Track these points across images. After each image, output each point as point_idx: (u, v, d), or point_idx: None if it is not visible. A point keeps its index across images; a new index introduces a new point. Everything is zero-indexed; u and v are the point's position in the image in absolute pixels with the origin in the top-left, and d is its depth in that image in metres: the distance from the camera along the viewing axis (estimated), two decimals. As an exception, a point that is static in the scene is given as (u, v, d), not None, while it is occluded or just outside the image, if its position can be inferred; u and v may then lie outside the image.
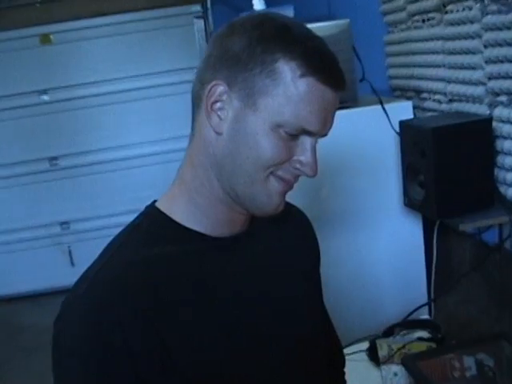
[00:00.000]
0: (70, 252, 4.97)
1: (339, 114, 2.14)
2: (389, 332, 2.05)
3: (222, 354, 1.01)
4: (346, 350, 2.03)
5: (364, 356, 2.02)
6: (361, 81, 2.31)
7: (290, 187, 1.06)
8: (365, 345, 2.05)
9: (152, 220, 1.07)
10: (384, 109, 2.24)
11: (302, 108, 0.97)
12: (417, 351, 1.83)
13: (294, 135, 0.99)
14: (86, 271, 1.01)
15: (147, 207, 1.10)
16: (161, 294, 0.97)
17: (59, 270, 4.83)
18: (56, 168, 4.95)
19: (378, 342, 1.95)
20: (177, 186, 1.09)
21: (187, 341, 0.97)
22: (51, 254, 4.90)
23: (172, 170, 1.14)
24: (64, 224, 5.03)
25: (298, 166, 1.02)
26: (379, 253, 2.33)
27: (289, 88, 0.96)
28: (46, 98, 4.83)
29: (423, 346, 1.88)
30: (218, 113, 1.01)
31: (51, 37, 4.70)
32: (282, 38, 0.97)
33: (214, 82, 1.00)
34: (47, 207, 4.95)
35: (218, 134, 1.01)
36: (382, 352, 1.91)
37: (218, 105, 1.00)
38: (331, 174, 2.28)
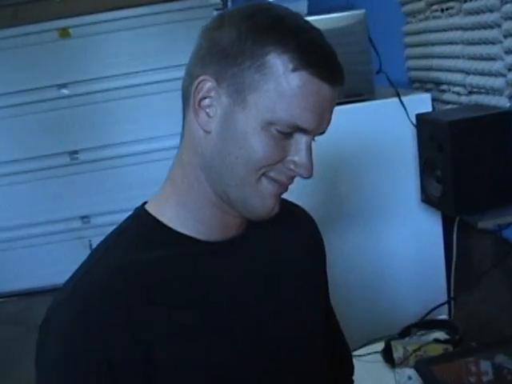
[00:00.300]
0: (90, 246, 4.95)
1: (355, 107, 2.18)
2: (405, 332, 1.98)
3: (217, 359, 0.96)
4: (360, 351, 2.00)
5: (379, 357, 1.95)
6: (377, 73, 2.25)
7: (285, 189, 1.00)
8: (380, 345, 1.99)
9: (140, 223, 1.02)
10: (401, 101, 2.17)
11: (295, 104, 0.90)
12: (431, 355, 1.77)
13: (288, 133, 0.93)
14: (72, 275, 0.96)
15: (136, 209, 1.05)
16: (148, 300, 0.91)
17: (80, 264, 4.79)
18: (76, 162, 4.93)
19: (393, 343, 1.89)
20: (167, 187, 1.04)
21: (177, 350, 0.92)
22: (72, 249, 4.88)
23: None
24: (84, 218, 5.02)
25: (291, 166, 0.96)
26: (397, 250, 2.27)
27: (280, 83, 0.90)
28: (65, 91, 4.82)
29: (439, 349, 1.81)
30: (207, 110, 0.95)
31: (70, 31, 4.68)
32: (274, 29, 0.91)
33: (201, 78, 0.94)
34: (67, 201, 4.94)
35: (207, 132, 0.96)
36: (397, 354, 1.85)
37: (207, 101, 0.95)
38: (346, 169, 2.23)
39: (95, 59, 4.79)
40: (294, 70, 0.90)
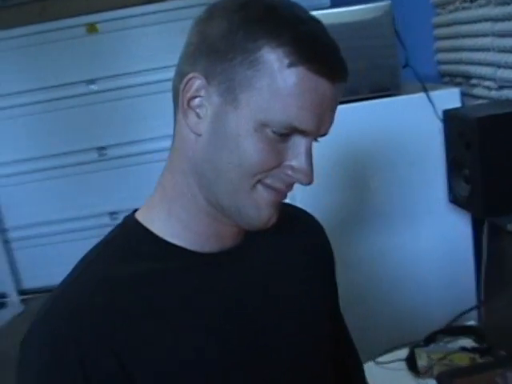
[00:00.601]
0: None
1: (381, 102, 2.08)
2: (430, 339, 1.89)
3: (214, 373, 0.89)
4: (384, 358, 1.91)
5: (403, 365, 1.86)
6: (404, 67, 2.16)
7: (283, 197, 0.91)
8: (405, 352, 1.90)
9: (128, 233, 0.94)
10: (429, 97, 2.08)
11: (292, 103, 0.82)
12: (457, 364, 1.67)
13: (284, 135, 0.85)
14: (56, 289, 0.89)
15: (125, 217, 0.97)
16: (131, 318, 0.84)
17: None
18: (104, 158, 4.90)
19: (417, 351, 1.80)
20: (157, 193, 0.96)
21: (168, 369, 0.85)
22: (100, 245, 4.86)
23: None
24: (113, 214, 4.98)
25: (289, 172, 0.88)
26: (423, 252, 2.17)
27: (275, 80, 0.82)
28: (94, 87, 4.78)
29: (465, 358, 1.72)
30: (197, 110, 0.87)
31: (97, 26, 4.65)
32: (268, 20, 0.82)
33: (190, 75, 0.86)
34: (96, 197, 4.91)
35: (197, 134, 0.88)
36: (422, 362, 1.75)
37: (196, 101, 0.87)
38: (370, 167, 2.14)
39: (123, 54, 4.74)
40: (290, 65, 0.82)
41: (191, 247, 0.93)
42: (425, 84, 2.10)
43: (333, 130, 2.13)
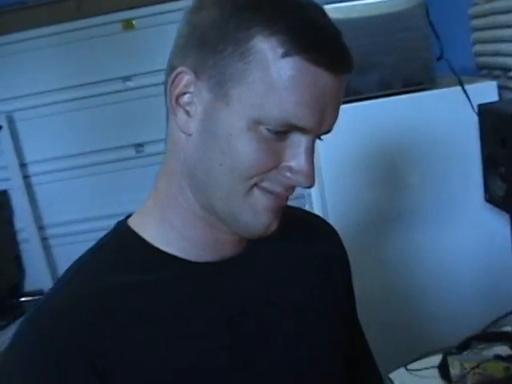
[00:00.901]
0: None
1: (414, 96, 2.00)
2: (465, 345, 1.79)
3: None
4: (416, 364, 1.83)
5: (436, 373, 1.77)
6: (438, 59, 2.06)
7: (283, 201, 0.84)
8: (438, 358, 1.81)
9: (119, 240, 0.88)
10: (464, 90, 1.98)
11: (288, 98, 0.75)
12: (490, 374, 1.58)
13: (281, 133, 0.77)
14: (43, 296, 0.84)
15: (118, 223, 0.91)
16: (120, 326, 0.79)
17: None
18: (142, 155, 4.87)
19: (450, 358, 1.71)
20: (150, 199, 0.90)
21: (155, 379, 0.79)
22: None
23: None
24: (151, 212, 4.97)
25: (288, 174, 0.80)
26: (458, 253, 2.08)
27: (268, 72, 0.75)
28: (130, 84, 4.75)
29: (499, 367, 1.61)
30: (186, 108, 0.81)
31: (134, 22, 4.62)
32: (262, 7, 0.75)
33: (179, 69, 0.80)
34: (133, 194, 4.88)
35: (187, 134, 0.82)
36: (454, 371, 1.66)
37: (186, 98, 0.81)
38: (403, 164, 2.06)
39: (159, 50, 4.68)
40: (285, 55, 0.74)
41: (186, 256, 0.87)
42: (460, 77, 2.01)
43: (365, 126, 2.07)
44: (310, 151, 0.80)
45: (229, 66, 0.76)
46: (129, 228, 0.89)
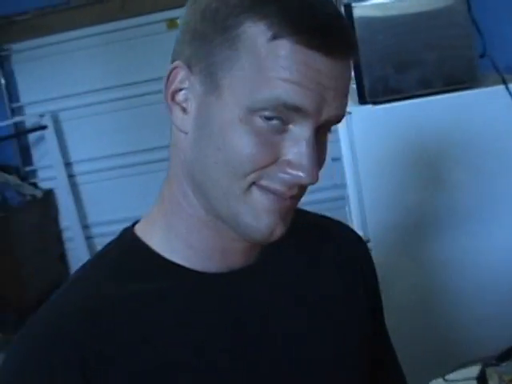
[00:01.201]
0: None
1: (456, 96, 1.93)
2: (504, 356, 1.72)
3: None
4: (454, 375, 1.76)
5: (474, 384, 1.71)
6: (481, 57, 1.99)
7: (287, 202, 0.77)
8: (477, 370, 1.74)
9: (123, 247, 0.84)
10: (508, 89, 1.91)
11: (276, 76, 0.69)
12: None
13: (278, 122, 0.71)
14: (42, 306, 0.81)
15: (124, 230, 0.87)
16: (116, 344, 0.75)
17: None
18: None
19: (489, 370, 1.64)
20: (156, 205, 0.86)
21: None
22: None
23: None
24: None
25: (287, 169, 0.73)
26: (502, 257, 1.99)
27: (257, 57, 0.70)
28: (174, 84, 4.78)
29: (541, 381, 1.55)
30: (183, 105, 0.77)
31: (178, 21, 4.62)
32: None
33: (174, 64, 0.76)
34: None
35: (184, 133, 0.77)
36: (493, 383, 1.60)
37: (181, 94, 0.76)
38: (446, 165, 2.00)
39: (203, 50, 4.71)
40: (274, 38, 0.69)
41: (191, 265, 0.82)
42: (504, 75, 1.93)
43: (404, 126, 2.01)
44: (311, 143, 0.73)
45: (219, 55, 0.72)
46: (134, 235, 0.85)
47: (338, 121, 0.76)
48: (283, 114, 0.71)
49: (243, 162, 0.72)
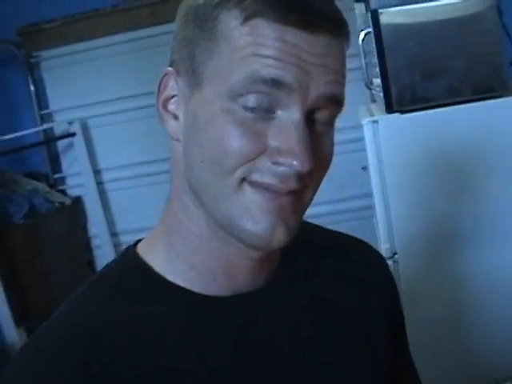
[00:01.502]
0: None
1: (485, 104, 1.88)
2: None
3: None
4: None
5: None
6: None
7: (287, 198, 0.70)
8: (508, 387, 1.69)
9: (124, 268, 0.81)
10: (540, 98, 1.86)
11: (250, 53, 0.67)
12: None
13: (262, 107, 0.67)
14: (37, 329, 0.78)
15: (127, 248, 0.84)
16: (121, 361, 0.72)
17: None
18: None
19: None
20: (159, 223, 0.83)
21: None
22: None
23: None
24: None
25: (277, 157, 0.68)
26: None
27: (231, 41, 0.68)
28: (202, 90, 4.77)
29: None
30: (175, 112, 0.75)
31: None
32: None
33: (165, 71, 0.75)
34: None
35: (177, 140, 0.75)
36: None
37: (173, 102, 0.75)
38: (475, 176, 1.95)
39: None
40: (246, 19, 0.67)
41: (192, 287, 0.78)
42: (535, 83, 1.89)
43: (432, 135, 1.96)
44: (301, 126, 0.68)
45: (200, 50, 0.71)
46: (136, 254, 0.82)
47: (335, 103, 0.71)
48: (266, 97, 0.67)
49: (228, 155, 0.68)
